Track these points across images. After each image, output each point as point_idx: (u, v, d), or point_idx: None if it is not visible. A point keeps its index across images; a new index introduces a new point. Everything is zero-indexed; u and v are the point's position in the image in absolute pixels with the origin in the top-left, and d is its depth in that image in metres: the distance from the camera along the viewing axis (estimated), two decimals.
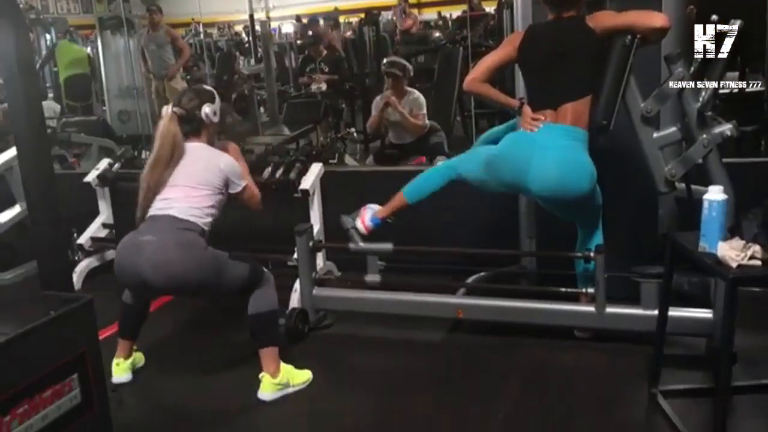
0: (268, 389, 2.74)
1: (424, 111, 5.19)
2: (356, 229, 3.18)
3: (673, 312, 2.58)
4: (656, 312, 2.57)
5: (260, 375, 2.76)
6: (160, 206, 2.73)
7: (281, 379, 2.76)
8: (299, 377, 2.83)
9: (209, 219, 2.76)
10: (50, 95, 7.83)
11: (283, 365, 2.79)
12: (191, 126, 2.84)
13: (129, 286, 2.82)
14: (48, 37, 8.17)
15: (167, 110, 2.84)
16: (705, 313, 2.74)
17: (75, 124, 5.86)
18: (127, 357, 2.97)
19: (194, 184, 2.74)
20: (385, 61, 5.73)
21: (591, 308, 2.88)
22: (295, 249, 3.31)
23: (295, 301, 3.37)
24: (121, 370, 2.93)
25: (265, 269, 2.85)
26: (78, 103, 7.43)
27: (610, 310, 2.86)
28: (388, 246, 3.19)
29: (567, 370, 2.86)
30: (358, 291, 3.31)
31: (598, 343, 2.97)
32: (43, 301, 1.99)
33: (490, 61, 2.95)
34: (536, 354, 2.98)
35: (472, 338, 3.17)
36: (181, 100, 2.87)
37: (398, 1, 10.42)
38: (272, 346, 2.78)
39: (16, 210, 4.30)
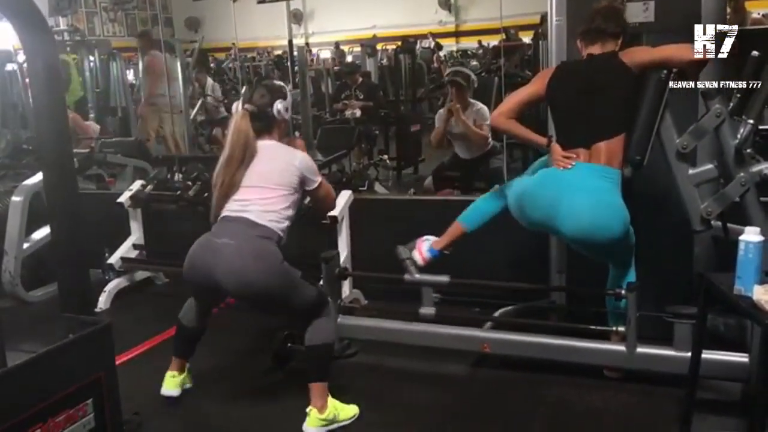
0: (314, 424, 2.65)
1: (488, 122, 5.07)
2: (413, 260, 3.14)
3: (707, 354, 2.50)
4: (689, 354, 2.49)
5: (308, 409, 2.67)
6: (235, 208, 2.67)
7: (327, 414, 2.66)
8: (346, 412, 2.74)
9: (286, 224, 2.70)
10: (91, 115, 7.96)
11: (330, 400, 2.70)
12: (263, 123, 2.76)
13: (197, 286, 2.73)
14: (92, 58, 8.33)
15: (237, 107, 2.77)
16: (741, 357, 2.63)
17: (113, 144, 5.93)
18: (180, 372, 2.92)
19: (271, 184, 2.68)
20: (448, 70, 5.73)
21: (622, 347, 2.80)
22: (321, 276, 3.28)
23: None
24: (172, 384, 2.88)
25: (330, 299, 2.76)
26: None
27: (641, 350, 2.77)
28: (444, 278, 3.13)
29: (594, 411, 2.76)
30: (383, 320, 3.26)
31: (628, 384, 2.88)
32: (61, 323, 1.98)
33: (518, 97, 2.92)
34: (563, 393, 2.90)
35: (498, 373, 3.11)
36: (252, 97, 2.78)
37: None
38: (322, 381, 2.69)
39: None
